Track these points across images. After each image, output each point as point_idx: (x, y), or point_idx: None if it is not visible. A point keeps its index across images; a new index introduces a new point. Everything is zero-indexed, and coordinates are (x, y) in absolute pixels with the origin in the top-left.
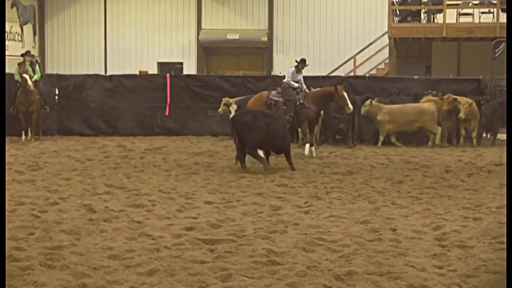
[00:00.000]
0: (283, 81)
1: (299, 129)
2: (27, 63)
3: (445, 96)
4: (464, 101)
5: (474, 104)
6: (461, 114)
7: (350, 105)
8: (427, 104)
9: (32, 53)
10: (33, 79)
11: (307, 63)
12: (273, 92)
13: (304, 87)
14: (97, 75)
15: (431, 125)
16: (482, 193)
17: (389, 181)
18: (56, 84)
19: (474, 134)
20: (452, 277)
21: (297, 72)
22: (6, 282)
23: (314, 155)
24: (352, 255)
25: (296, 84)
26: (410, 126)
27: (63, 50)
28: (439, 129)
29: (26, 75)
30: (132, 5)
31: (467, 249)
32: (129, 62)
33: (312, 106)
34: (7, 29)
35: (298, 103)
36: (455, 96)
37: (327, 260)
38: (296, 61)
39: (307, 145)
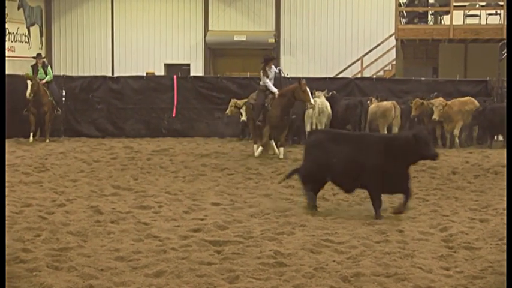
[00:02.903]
0: (260, 83)
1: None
2: (39, 65)
3: (414, 102)
4: (437, 102)
5: (450, 105)
6: (435, 116)
7: (312, 100)
8: (376, 104)
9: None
10: (44, 80)
11: (272, 58)
12: (253, 94)
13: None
14: (104, 77)
15: (380, 125)
16: (489, 194)
17: None
18: (63, 85)
19: (456, 135)
20: (459, 278)
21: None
22: (13, 284)
23: (256, 154)
24: (359, 256)
25: (273, 89)
26: (371, 124)
27: (70, 51)
28: (384, 132)
29: (28, 82)
30: (139, 6)
31: (474, 250)
32: (136, 63)
33: (276, 108)
34: (14, 30)
35: (264, 105)
36: (422, 101)
37: (334, 261)
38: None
39: (256, 146)
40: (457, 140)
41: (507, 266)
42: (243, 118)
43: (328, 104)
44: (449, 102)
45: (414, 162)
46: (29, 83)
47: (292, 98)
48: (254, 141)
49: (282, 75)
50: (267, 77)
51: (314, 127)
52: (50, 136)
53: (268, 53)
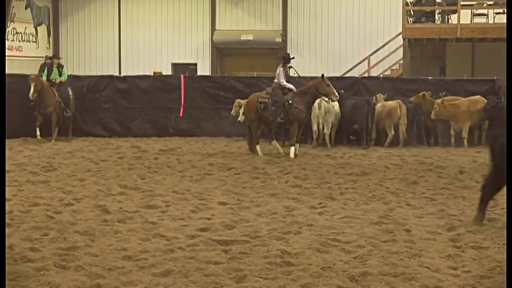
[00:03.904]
0: (274, 81)
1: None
2: (55, 66)
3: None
4: (436, 102)
5: (458, 104)
6: (432, 116)
7: (336, 93)
8: (382, 103)
9: (49, 55)
10: (58, 80)
11: (291, 57)
12: (262, 93)
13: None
14: (111, 76)
15: (386, 124)
16: (497, 194)
17: (403, 182)
18: (70, 85)
19: (464, 137)
20: (467, 278)
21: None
22: (21, 283)
23: (297, 153)
24: (366, 256)
25: (290, 85)
26: (378, 124)
27: (77, 51)
28: (391, 131)
29: (32, 83)
30: (146, 6)
31: (482, 250)
32: (143, 63)
33: (301, 105)
34: (21, 30)
35: (286, 103)
36: (424, 93)
37: (341, 260)
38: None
39: (292, 148)
40: (465, 142)
41: (507, 266)
42: (240, 118)
43: (335, 103)
44: (457, 102)
45: None
46: (32, 84)
47: (316, 93)
48: (256, 141)
49: (294, 73)
50: (286, 75)
51: (320, 127)
52: (58, 135)
53: (279, 52)
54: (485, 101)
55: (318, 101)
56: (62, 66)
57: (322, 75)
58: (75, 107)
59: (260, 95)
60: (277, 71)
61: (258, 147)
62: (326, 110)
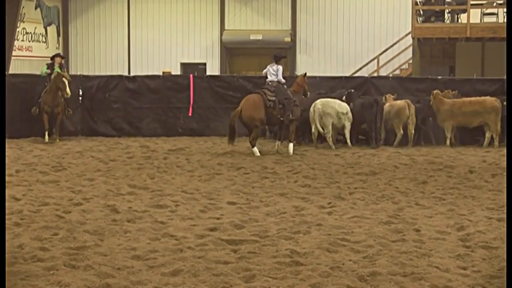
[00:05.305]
0: (275, 79)
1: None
2: (57, 65)
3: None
4: (433, 93)
5: (445, 102)
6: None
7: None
8: (390, 103)
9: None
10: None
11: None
12: (266, 91)
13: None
14: (120, 76)
15: (395, 124)
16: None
17: (412, 182)
18: (80, 85)
19: (446, 136)
20: (477, 278)
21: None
22: (31, 282)
23: (291, 152)
24: (375, 255)
25: (283, 81)
26: (386, 124)
27: (86, 51)
28: (399, 131)
29: (65, 80)
30: (155, 6)
31: (492, 250)
32: (153, 62)
33: (299, 103)
34: (31, 30)
35: (293, 101)
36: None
37: (350, 260)
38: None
39: (291, 144)
40: (447, 141)
41: (507, 266)
42: None
43: (335, 105)
44: (446, 99)
45: None
46: (66, 82)
47: (304, 92)
48: (252, 144)
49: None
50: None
51: (319, 129)
52: (67, 135)
53: (280, 51)
54: (487, 103)
55: (312, 105)
56: (64, 67)
57: (305, 73)
58: (82, 106)
59: (267, 94)
60: (275, 69)
61: (255, 149)
62: (322, 113)
